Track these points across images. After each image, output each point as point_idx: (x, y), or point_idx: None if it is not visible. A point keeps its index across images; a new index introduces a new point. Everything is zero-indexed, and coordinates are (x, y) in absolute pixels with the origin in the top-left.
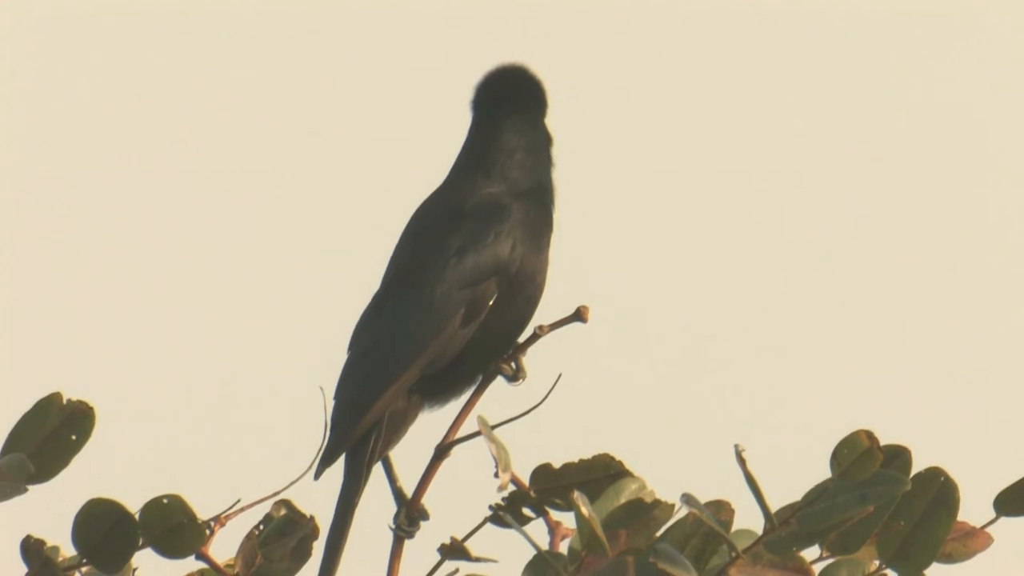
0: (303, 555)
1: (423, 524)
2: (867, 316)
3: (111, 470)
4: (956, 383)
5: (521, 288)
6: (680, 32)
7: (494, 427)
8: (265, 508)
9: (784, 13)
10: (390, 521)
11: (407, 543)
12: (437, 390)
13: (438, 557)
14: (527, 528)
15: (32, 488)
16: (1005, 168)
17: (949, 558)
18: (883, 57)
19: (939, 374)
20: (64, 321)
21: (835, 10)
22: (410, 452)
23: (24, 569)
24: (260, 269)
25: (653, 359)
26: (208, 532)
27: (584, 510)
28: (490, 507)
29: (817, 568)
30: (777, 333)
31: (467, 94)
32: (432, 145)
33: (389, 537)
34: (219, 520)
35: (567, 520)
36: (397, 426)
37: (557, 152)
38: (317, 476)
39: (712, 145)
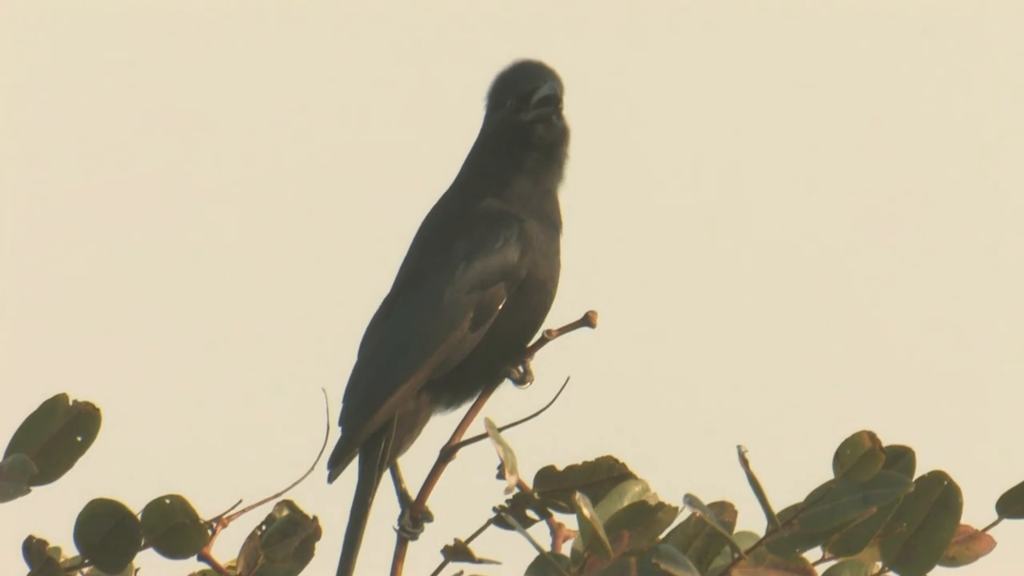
0: (305, 556)
1: (427, 526)
2: (870, 318)
3: (114, 470)
4: (958, 384)
5: (532, 294)
6: (688, 33)
7: (501, 429)
8: (267, 509)
9: (787, 13)
10: (394, 522)
11: (411, 544)
12: (447, 393)
13: (442, 558)
14: (530, 530)
15: (35, 489)
16: (1008, 170)
17: (952, 561)
18: (885, 57)
19: (941, 375)
20: (69, 322)
21: (836, 10)
22: (415, 454)
23: (26, 569)
24: (266, 270)
25: (658, 363)
26: (210, 533)
27: (586, 511)
28: (494, 509)
29: (820, 569)
30: (780, 335)
31: (479, 95)
32: (444, 148)
33: (393, 538)
34: (221, 521)
35: (570, 522)
36: (408, 428)
37: (568, 153)
38: (331, 479)
39: (719, 149)
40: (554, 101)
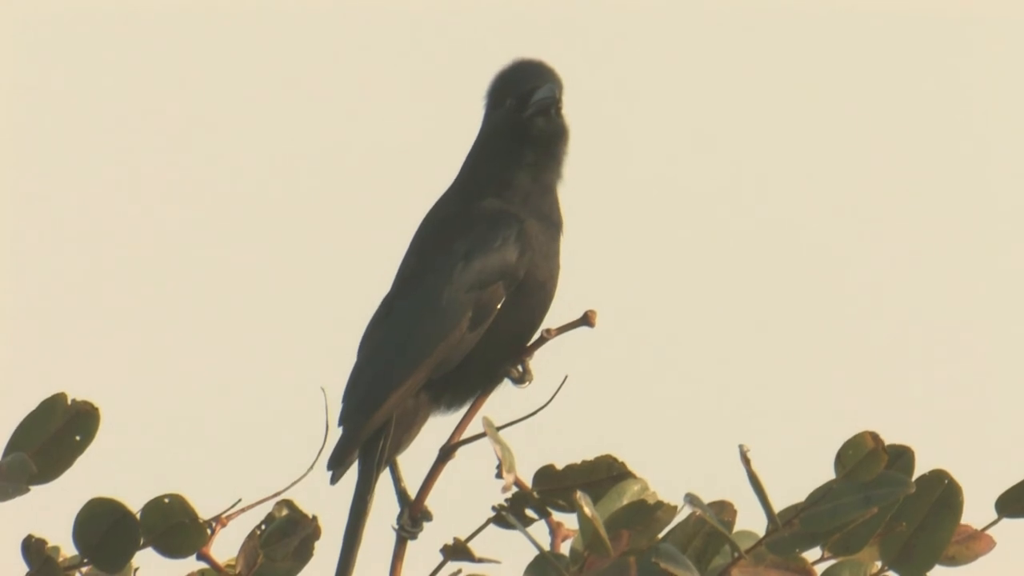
0: (305, 555)
1: (426, 525)
2: (870, 317)
3: (113, 469)
4: (958, 384)
5: (531, 294)
6: (687, 32)
7: (499, 428)
8: (267, 508)
9: (787, 13)
10: (394, 522)
11: (410, 544)
12: (447, 392)
13: (441, 558)
14: (529, 529)
15: (35, 488)
16: (1008, 170)
17: (952, 561)
18: (885, 57)
19: (941, 375)
20: (68, 322)
21: (836, 10)
22: (415, 454)
23: (25, 568)
24: (266, 270)
25: (657, 362)
26: (209, 532)
27: (587, 510)
28: (493, 508)
29: (819, 569)
30: (781, 335)
31: (479, 93)
32: (445, 148)
33: (392, 537)
34: (220, 520)
35: (569, 521)
36: (407, 427)
37: (568, 153)
38: (334, 480)
39: (718, 148)
40: (553, 102)
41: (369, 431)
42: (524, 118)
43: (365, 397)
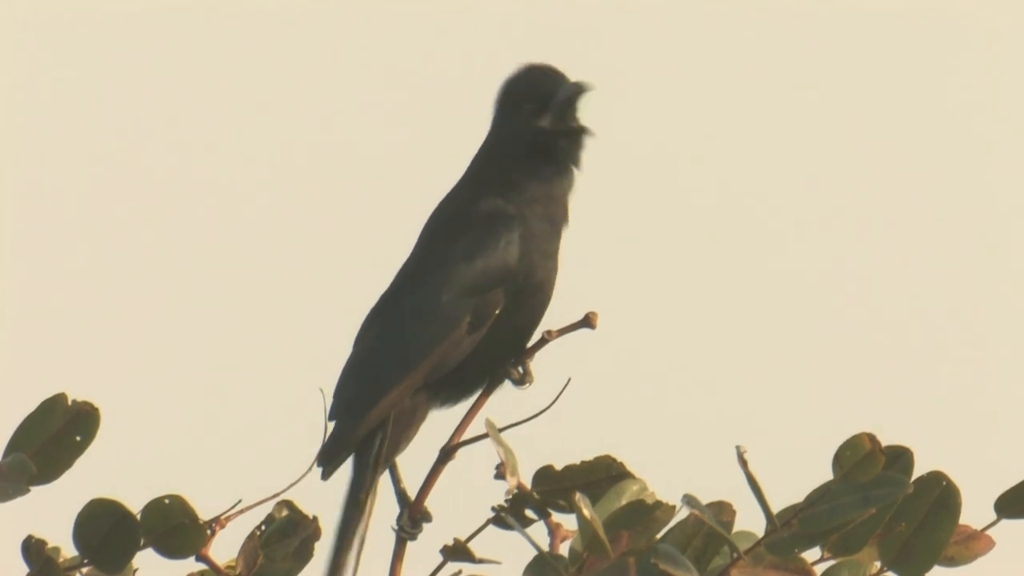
0: (305, 556)
1: (426, 526)
2: (869, 318)
3: (113, 470)
4: (958, 384)
5: (529, 297)
6: (690, 34)
7: (501, 430)
8: (267, 509)
9: (787, 13)
10: (393, 522)
11: (410, 544)
12: (445, 392)
13: (441, 558)
14: (528, 530)
15: (35, 488)
16: (1007, 171)
17: (951, 561)
18: (885, 57)
19: (940, 375)
20: (68, 322)
21: (836, 10)
22: (414, 454)
23: (26, 569)
24: (263, 269)
25: (657, 363)
26: (209, 533)
27: (585, 511)
28: (493, 509)
29: (818, 569)
30: (781, 336)
31: (487, 96)
32: (448, 147)
33: (392, 538)
34: (220, 521)
35: (568, 522)
36: (405, 427)
37: (583, 165)
38: (325, 477)
39: (721, 150)
40: (580, 91)
41: (363, 432)
42: (546, 129)
43: (357, 397)
